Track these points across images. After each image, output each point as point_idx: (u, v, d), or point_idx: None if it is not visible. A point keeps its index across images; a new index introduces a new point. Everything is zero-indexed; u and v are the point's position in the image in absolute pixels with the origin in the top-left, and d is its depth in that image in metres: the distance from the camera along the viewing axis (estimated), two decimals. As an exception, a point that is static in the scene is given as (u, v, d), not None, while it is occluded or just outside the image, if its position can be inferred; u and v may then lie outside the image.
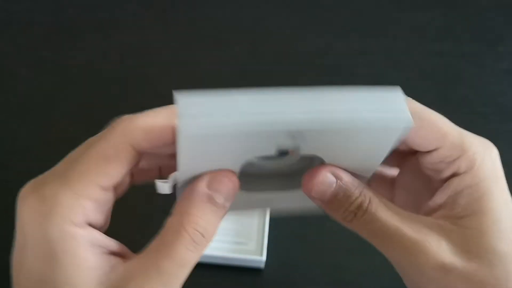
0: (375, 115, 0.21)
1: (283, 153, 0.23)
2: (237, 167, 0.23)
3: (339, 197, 0.23)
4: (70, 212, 0.20)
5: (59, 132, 0.55)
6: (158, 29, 0.61)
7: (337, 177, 0.23)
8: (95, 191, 0.21)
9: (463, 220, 0.22)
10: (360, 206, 0.23)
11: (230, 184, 0.22)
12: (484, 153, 0.24)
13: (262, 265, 0.46)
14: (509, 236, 0.22)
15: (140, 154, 0.22)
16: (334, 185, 0.23)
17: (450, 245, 0.22)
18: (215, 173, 0.22)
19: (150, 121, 0.22)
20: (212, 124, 0.20)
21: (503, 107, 0.57)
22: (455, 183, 0.23)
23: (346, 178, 0.24)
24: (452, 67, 0.59)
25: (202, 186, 0.22)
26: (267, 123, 0.20)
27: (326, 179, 0.23)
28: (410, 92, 0.61)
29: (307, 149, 0.22)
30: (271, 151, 0.22)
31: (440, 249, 0.22)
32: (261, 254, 0.44)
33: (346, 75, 0.58)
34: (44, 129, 0.55)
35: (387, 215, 0.23)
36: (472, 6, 0.63)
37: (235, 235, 0.47)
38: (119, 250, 0.23)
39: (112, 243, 0.22)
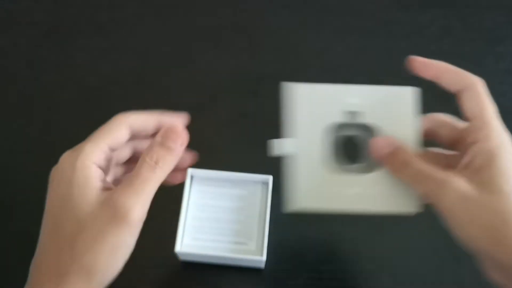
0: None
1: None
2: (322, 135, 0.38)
3: (393, 153, 0.35)
4: (90, 155, 0.33)
5: (59, 132, 0.55)
6: (158, 29, 0.61)
7: (390, 141, 0.36)
8: (104, 146, 0.34)
9: (478, 171, 0.32)
10: (406, 160, 0.35)
11: (175, 134, 0.35)
12: (500, 132, 0.34)
13: (262, 265, 0.46)
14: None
15: (131, 133, 0.36)
16: (389, 146, 0.36)
17: (468, 184, 0.31)
18: (167, 127, 0.35)
19: (141, 113, 0.37)
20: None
21: (504, 107, 0.57)
22: (475, 148, 0.33)
23: (396, 142, 0.36)
24: (452, 67, 0.59)
25: (157, 137, 0.35)
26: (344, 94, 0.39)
27: (384, 142, 0.36)
28: (410, 92, 0.60)
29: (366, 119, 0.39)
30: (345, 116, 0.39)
31: (461, 184, 0.32)
32: (261, 254, 0.44)
33: (346, 75, 0.59)
34: (44, 129, 0.55)
35: (425, 165, 0.34)
36: (472, 6, 0.63)
37: (236, 235, 0.47)
38: (113, 184, 0.36)
39: (108, 179, 0.35)
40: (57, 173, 0.34)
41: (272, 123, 0.56)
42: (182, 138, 0.35)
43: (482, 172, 0.32)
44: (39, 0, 0.62)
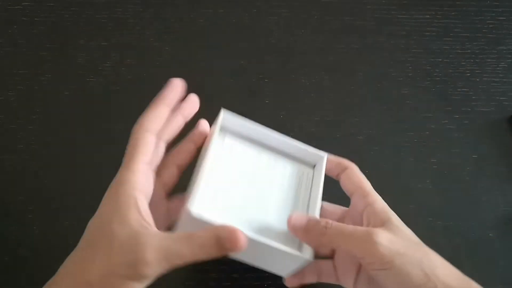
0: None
1: None
2: None
3: (312, 224, 0.37)
4: (130, 184, 0.34)
5: (59, 132, 0.55)
6: (158, 29, 0.61)
7: (300, 218, 0.37)
8: (140, 166, 0.35)
9: (383, 226, 0.37)
10: (327, 222, 0.36)
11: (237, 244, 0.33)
12: (380, 199, 0.40)
13: (293, 268, 0.40)
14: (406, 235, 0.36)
15: (156, 136, 0.37)
16: (306, 219, 0.37)
17: (388, 232, 0.35)
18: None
19: (151, 114, 0.38)
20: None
21: (504, 106, 0.57)
22: (369, 209, 0.38)
23: (304, 218, 0.37)
24: (452, 66, 0.59)
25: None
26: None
27: (302, 217, 0.37)
28: (411, 91, 0.62)
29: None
30: None
31: (385, 234, 0.35)
32: (302, 251, 0.38)
33: (346, 75, 0.58)
34: (44, 129, 0.55)
35: (342, 226, 0.36)
36: (472, 6, 0.63)
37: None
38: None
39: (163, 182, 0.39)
40: (105, 200, 0.34)
41: (271, 123, 0.56)
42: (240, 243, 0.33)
43: (389, 228, 0.36)
44: (39, 0, 0.62)
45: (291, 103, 0.57)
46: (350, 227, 0.36)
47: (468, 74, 0.58)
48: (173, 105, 0.39)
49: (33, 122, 0.55)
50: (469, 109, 0.56)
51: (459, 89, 0.58)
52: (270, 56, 0.59)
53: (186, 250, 0.31)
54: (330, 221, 0.36)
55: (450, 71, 0.59)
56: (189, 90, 0.58)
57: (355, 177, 0.41)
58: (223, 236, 0.32)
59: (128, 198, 0.33)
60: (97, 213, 0.34)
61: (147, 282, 0.31)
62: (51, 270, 0.48)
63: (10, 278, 0.48)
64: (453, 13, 0.62)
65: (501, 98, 0.57)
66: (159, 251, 0.30)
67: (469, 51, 0.60)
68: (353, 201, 0.41)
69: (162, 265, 0.31)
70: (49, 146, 0.54)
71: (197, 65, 0.59)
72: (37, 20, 0.61)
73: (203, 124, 0.42)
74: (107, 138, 0.54)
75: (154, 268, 0.30)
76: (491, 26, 0.61)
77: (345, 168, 0.42)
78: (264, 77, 0.58)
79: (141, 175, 0.34)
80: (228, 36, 0.61)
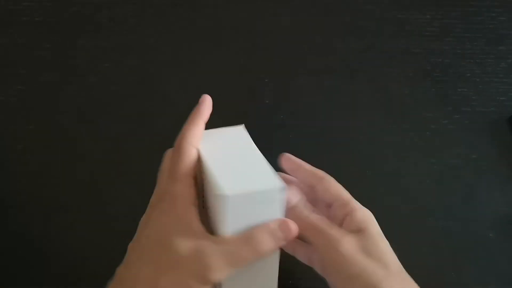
0: None
1: None
2: None
3: (301, 204, 0.38)
4: (185, 199, 0.36)
5: (59, 132, 0.55)
6: (158, 29, 0.61)
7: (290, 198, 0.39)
8: (190, 180, 0.37)
9: (358, 234, 0.37)
10: (300, 216, 0.37)
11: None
12: (360, 206, 0.39)
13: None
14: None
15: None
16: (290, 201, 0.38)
17: (356, 243, 0.36)
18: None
19: (190, 129, 0.39)
20: None
21: (504, 106, 0.57)
22: (348, 218, 0.38)
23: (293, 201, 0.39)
24: (452, 66, 0.59)
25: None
26: None
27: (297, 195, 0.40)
28: (411, 91, 0.62)
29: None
30: None
31: (351, 243, 0.35)
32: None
33: (346, 75, 0.58)
34: (44, 129, 0.55)
35: (322, 220, 0.37)
36: (472, 6, 0.63)
37: None
38: None
39: None
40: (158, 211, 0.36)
41: (272, 123, 0.56)
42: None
43: (362, 237, 0.36)
44: (39, 0, 0.62)
45: (291, 103, 0.57)
46: (325, 225, 0.36)
47: (468, 74, 0.58)
48: (207, 120, 0.40)
49: (33, 122, 0.55)
50: (469, 109, 0.56)
51: (459, 89, 0.58)
52: (270, 56, 0.59)
53: (247, 253, 0.33)
54: (312, 212, 0.38)
55: (450, 71, 0.59)
56: (189, 90, 0.58)
57: (333, 187, 0.40)
58: (275, 228, 0.34)
59: (188, 211, 0.35)
60: (150, 225, 0.35)
61: (217, 283, 0.34)
62: (51, 270, 0.49)
63: (10, 278, 0.48)
64: (453, 13, 0.62)
65: (501, 98, 0.57)
66: (223, 257, 0.33)
67: (469, 51, 0.60)
68: (331, 212, 0.40)
69: (227, 270, 0.33)
70: (49, 146, 0.54)
71: (197, 65, 0.59)
72: (37, 20, 0.61)
73: (208, 99, 0.42)
74: (107, 138, 0.54)
75: (221, 274, 0.33)
76: (491, 26, 0.61)
77: (321, 178, 0.40)
78: (264, 77, 0.58)
79: (193, 189, 0.36)
80: (228, 36, 0.61)
